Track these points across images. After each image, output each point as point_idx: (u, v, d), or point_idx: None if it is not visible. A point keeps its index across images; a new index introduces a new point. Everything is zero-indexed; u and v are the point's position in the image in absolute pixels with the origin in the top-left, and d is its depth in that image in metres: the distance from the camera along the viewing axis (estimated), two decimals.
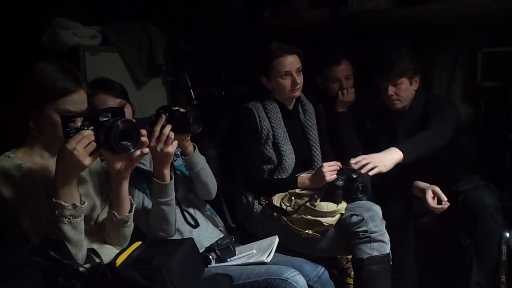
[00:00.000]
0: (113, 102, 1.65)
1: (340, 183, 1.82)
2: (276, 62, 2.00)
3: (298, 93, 2.06)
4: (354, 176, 1.83)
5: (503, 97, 2.41)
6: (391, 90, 2.11)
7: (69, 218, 1.25)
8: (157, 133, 1.47)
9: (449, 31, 2.64)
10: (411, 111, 2.16)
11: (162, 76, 2.79)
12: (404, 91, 2.12)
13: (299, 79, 2.01)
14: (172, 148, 1.48)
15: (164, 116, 1.48)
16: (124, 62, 2.64)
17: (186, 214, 1.67)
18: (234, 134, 2.09)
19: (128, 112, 1.67)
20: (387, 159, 1.81)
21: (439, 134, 1.96)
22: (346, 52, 2.53)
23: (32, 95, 1.33)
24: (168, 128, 1.47)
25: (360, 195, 1.84)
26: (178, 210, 1.64)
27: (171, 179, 1.52)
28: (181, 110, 1.55)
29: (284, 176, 2.02)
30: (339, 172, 1.87)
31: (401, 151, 1.83)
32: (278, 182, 2.01)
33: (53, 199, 1.24)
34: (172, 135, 1.47)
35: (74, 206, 1.25)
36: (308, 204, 1.81)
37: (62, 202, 1.23)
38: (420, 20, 2.55)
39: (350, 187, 1.83)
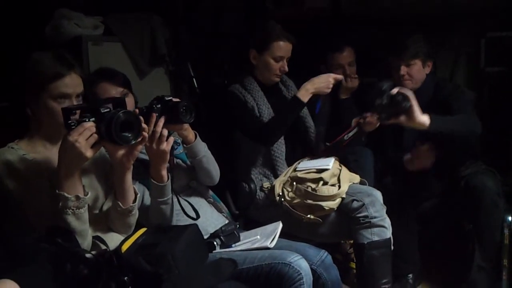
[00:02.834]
0: (115, 91, 1.64)
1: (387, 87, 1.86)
2: (275, 44, 2.02)
3: (278, 79, 2.12)
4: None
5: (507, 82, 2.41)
6: (403, 69, 2.12)
7: (72, 209, 1.26)
8: (149, 132, 1.45)
9: (452, 17, 2.62)
10: (420, 94, 2.14)
11: (165, 66, 2.81)
12: (416, 72, 2.13)
13: (287, 67, 2.07)
14: (167, 145, 1.47)
15: (154, 115, 1.45)
16: (126, 52, 2.65)
17: (187, 203, 1.67)
18: (227, 118, 2.09)
19: (130, 102, 1.66)
20: (419, 114, 1.83)
21: (473, 122, 1.96)
22: (349, 39, 2.53)
23: (27, 84, 1.35)
24: (161, 124, 1.46)
25: (404, 104, 1.82)
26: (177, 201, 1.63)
27: (168, 179, 1.53)
28: (174, 100, 1.54)
29: (277, 152, 2.03)
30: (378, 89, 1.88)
31: (429, 118, 1.85)
32: (280, 111, 2.01)
33: (57, 191, 1.26)
34: (165, 132, 1.47)
35: (77, 197, 1.27)
36: (309, 189, 1.83)
37: (66, 194, 1.25)
38: (423, 6, 2.54)
39: (393, 99, 1.84)
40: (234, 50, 2.93)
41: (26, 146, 1.39)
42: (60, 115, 1.28)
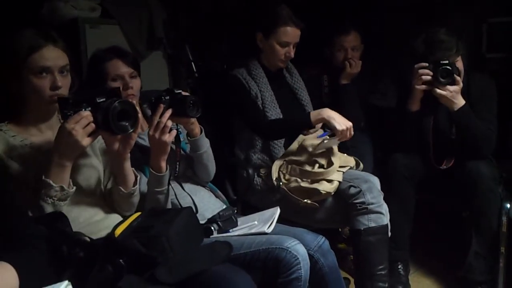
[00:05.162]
0: (126, 69, 1.65)
1: None
2: (282, 29, 1.99)
3: (284, 64, 2.10)
4: None
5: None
6: None
7: (53, 199, 1.25)
8: (155, 122, 1.48)
9: (453, 2, 2.59)
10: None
11: (163, 49, 2.78)
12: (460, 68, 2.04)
13: (293, 53, 2.04)
14: (169, 137, 1.48)
15: (162, 106, 1.49)
16: (124, 35, 2.62)
17: (186, 194, 1.67)
18: (227, 102, 2.08)
19: (138, 84, 1.68)
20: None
21: (488, 133, 2.00)
22: (357, 23, 2.49)
23: (8, 60, 1.31)
24: (167, 115, 1.49)
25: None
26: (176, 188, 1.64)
27: (166, 169, 1.54)
28: (183, 93, 1.56)
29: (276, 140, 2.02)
30: None
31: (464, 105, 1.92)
32: (289, 119, 2.00)
33: (43, 177, 1.23)
34: (169, 123, 1.49)
35: (62, 188, 1.25)
36: (305, 167, 1.82)
37: (51, 182, 1.23)
38: None
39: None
40: (235, 33, 2.90)
41: (17, 128, 1.36)
42: (44, 91, 1.28)
